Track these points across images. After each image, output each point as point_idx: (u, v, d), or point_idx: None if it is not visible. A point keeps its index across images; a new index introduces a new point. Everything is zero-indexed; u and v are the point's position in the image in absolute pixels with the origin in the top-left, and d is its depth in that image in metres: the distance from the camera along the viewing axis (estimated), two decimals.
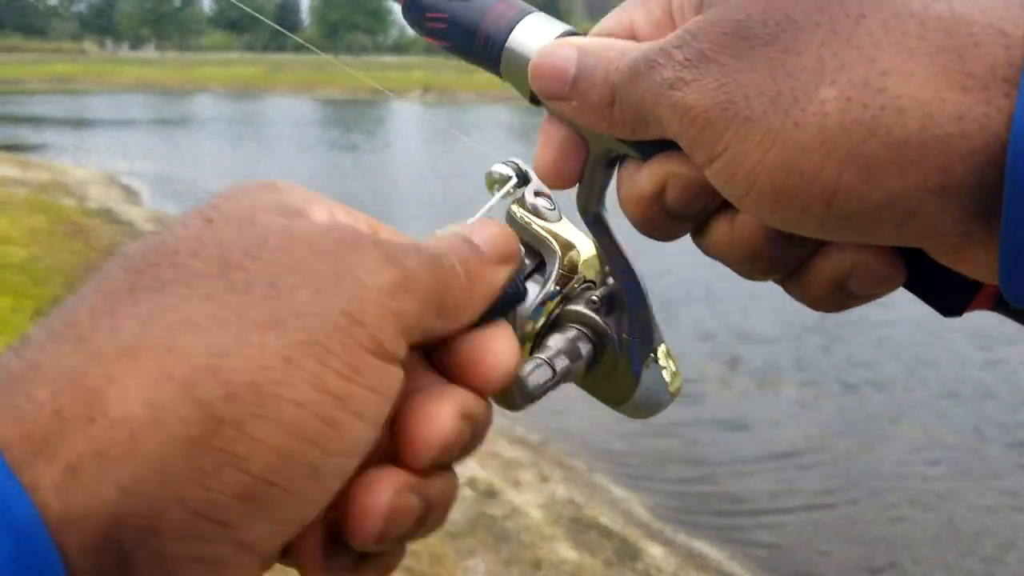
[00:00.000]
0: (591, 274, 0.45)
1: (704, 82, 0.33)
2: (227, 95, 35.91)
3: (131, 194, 11.70)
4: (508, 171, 0.45)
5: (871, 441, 4.91)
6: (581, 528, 3.82)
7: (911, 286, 0.37)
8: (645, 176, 0.38)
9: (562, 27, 0.41)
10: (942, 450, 4.76)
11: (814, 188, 0.32)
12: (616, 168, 0.41)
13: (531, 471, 4.43)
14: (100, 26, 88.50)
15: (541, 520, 3.82)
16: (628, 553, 3.70)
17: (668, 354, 0.46)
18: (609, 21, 0.40)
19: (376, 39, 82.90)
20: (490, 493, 3.95)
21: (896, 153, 0.30)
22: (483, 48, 0.42)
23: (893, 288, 0.37)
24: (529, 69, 0.39)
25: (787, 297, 0.39)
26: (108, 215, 9.79)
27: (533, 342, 0.44)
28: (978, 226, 0.31)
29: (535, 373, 0.41)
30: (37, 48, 69.92)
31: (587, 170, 0.41)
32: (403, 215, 12.03)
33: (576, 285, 0.45)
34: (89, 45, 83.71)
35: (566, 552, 3.55)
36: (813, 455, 4.77)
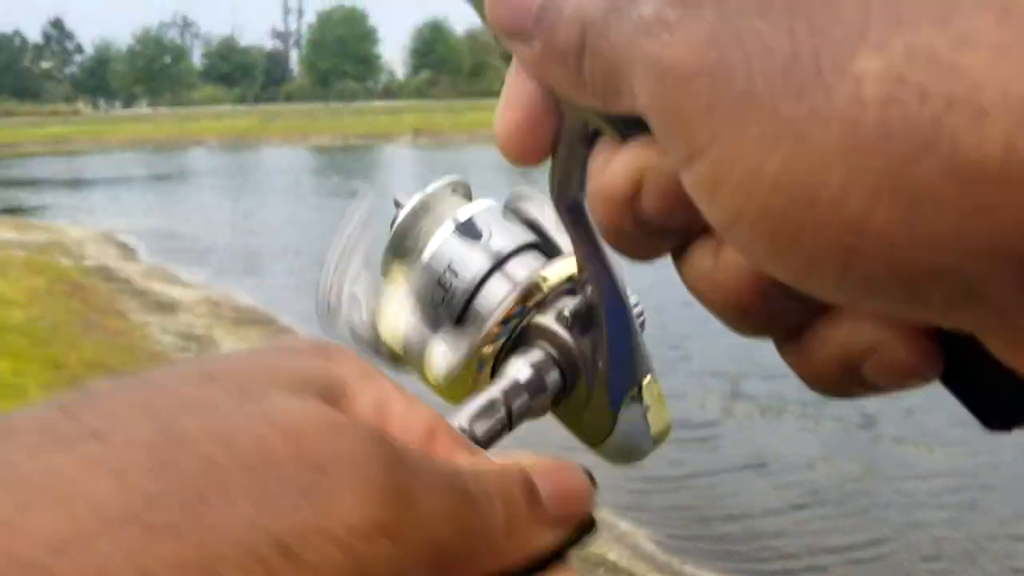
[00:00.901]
0: (565, 281, 0.37)
1: (692, 29, 0.22)
2: (221, 147, 36.12)
3: (127, 251, 11.74)
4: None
5: (888, 473, 4.88)
6: (588, 566, 3.79)
7: (948, 381, 0.26)
8: (618, 167, 0.27)
9: None
10: (962, 479, 4.73)
11: (829, 227, 0.20)
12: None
13: None
14: (93, 86, 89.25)
15: None
16: None
17: (654, 389, 0.37)
18: None
19: (366, 85, 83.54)
20: None
21: (963, 187, 0.18)
22: None
23: (922, 383, 0.26)
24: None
25: None
26: (105, 272, 9.82)
27: (492, 365, 0.37)
28: None
29: (482, 420, 0.34)
30: (32, 112, 70.43)
31: (561, 143, 0.30)
32: None
33: (547, 293, 0.37)
34: (82, 106, 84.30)
35: None
36: (827, 488, 4.74)
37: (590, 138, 0.29)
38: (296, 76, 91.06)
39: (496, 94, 0.30)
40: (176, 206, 18.53)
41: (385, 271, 0.41)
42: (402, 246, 0.40)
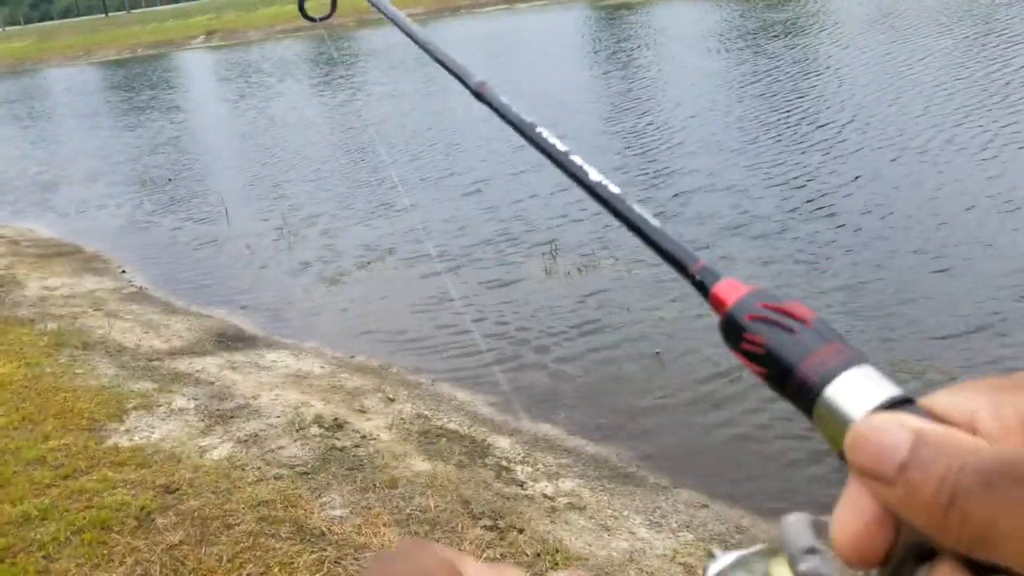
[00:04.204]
0: None
1: None
2: None
3: None
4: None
5: None
6: (431, 439, 3.90)
7: None
8: None
9: (891, 390, 0.35)
10: None
11: None
12: (927, 564, 0.33)
13: (376, 396, 4.46)
14: None
15: (391, 440, 3.88)
16: (478, 451, 3.81)
17: None
18: (945, 399, 0.34)
19: None
20: (337, 426, 3.97)
21: None
22: (797, 390, 0.38)
23: None
24: (848, 438, 0.34)
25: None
26: None
27: None
28: None
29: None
30: None
31: (894, 556, 0.33)
32: (221, 166, 11.59)
33: None
34: None
35: (420, 465, 3.62)
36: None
37: (924, 555, 0.32)
38: None
39: None
40: None
41: None
42: None
